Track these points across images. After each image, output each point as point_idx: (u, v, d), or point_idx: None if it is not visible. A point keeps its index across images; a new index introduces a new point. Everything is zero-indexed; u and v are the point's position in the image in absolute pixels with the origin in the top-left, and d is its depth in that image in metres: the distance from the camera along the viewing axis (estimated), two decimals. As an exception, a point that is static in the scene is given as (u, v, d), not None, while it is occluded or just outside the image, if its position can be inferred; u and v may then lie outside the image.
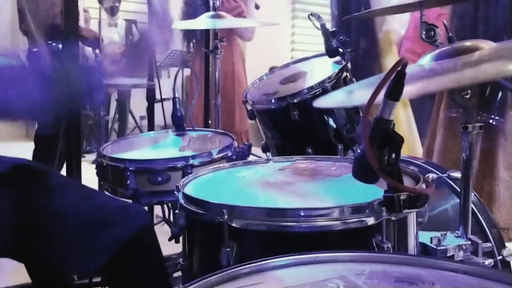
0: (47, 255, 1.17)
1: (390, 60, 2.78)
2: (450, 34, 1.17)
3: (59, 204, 1.17)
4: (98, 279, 1.77)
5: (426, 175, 1.36)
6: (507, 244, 1.29)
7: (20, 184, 1.17)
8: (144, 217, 1.22)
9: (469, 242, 1.05)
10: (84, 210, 1.18)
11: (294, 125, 1.55)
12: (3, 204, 1.12)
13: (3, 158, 1.22)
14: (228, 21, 2.26)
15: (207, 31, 2.56)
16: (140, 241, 1.18)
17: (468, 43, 1.08)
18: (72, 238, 1.15)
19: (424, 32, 1.21)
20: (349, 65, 1.59)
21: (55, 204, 1.17)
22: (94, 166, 1.61)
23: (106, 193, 1.53)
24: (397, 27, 2.96)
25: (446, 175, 1.37)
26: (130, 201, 1.43)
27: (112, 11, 5.29)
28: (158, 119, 2.79)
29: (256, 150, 1.66)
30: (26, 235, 1.13)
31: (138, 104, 5.30)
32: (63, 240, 1.15)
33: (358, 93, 1.22)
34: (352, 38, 2.71)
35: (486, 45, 1.04)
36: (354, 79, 1.60)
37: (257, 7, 3.46)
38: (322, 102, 1.40)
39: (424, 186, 0.94)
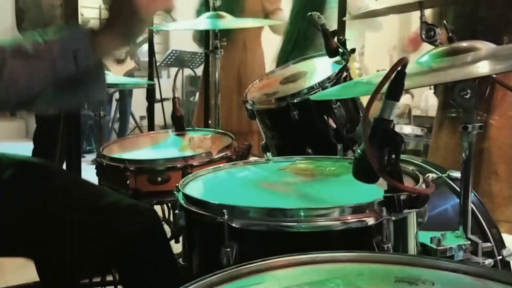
0: (59, 253, 1.18)
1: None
2: (450, 34, 1.17)
3: (72, 202, 1.19)
4: (98, 279, 1.77)
5: (426, 175, 1.36)
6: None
7: (32, 183, 1.19)
8: (153, 215, 1.24)
9: (469, 242, 1.05)
10: (96, 208, 1.19)
11: (294, 125, 1.55)
12: (17, 203, 1.14)
13: (14, 156, 1.24)
14: (228, 21, 2.26)
15: (207, 31, 2.56)
16: (150, 238, 1.20)
17: (465, 43, 1.09)
18: (84, 235, 1.16)
19: (424, 32, 1.21)
20: (349, 65, 1.59)
21: (68, 202, 1.18)
22: (94, 166, 1.62)
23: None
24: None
25: (446, 175, 1.37)
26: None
27: None
28: (158, 119, 2.79)
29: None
30: (38, 233, 1.14)
31: (138, 104, 5.31)
32: (75, 237, 1.16)
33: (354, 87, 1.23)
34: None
35: (483, 46, 1.04)
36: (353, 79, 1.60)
37: None
38: (319, 95, 1.44)
39: (424, 186, 0.94)
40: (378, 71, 2.84)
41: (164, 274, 1.19)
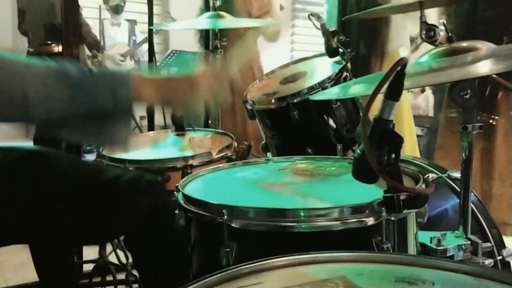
0: (69, 231, 1.19)
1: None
2: (450, 34, 1.17)
3: (75, 181, 1.19)
4: (98, 279, 1.77)
5: (426, 175, 1.36)
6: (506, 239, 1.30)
7: (34, 168, 1.19)
8: (157, 185, 1.26)
9: (469, 242, 1.05)
10: (101, 184, 1.20)
11: (294, 125, 1.55)
12: (23, 190, 1.14)
13: (15, 147, 1.25)
14: (229, 21, 2.26)
15: (207, 31, 2.56)
16: (156, 208, 1.20)
17: (465, 43, 1.09)
18: (91, 211, 1.17)
19: (424, 32, 1.21)
20: (349, 65, 1.59)
21: (71, 182, 1.19)
22: (94, 166, 1.61)
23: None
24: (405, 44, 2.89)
25: (446, 175, 1.37)
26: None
27: (117, 10, 5.26)
28: (158, 119, 2.79)
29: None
30: (45, 216, 1.14)
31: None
32: (82, 214, 1.17)
33: (354, 87, 1.23)
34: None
35: (483, 46, 1.04)
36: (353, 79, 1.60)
37: (281, 8, 3.41)
38: (319, 95, 1.45)
39: (424, 186, 0.94)
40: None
41: (170, 244, 1.20)
